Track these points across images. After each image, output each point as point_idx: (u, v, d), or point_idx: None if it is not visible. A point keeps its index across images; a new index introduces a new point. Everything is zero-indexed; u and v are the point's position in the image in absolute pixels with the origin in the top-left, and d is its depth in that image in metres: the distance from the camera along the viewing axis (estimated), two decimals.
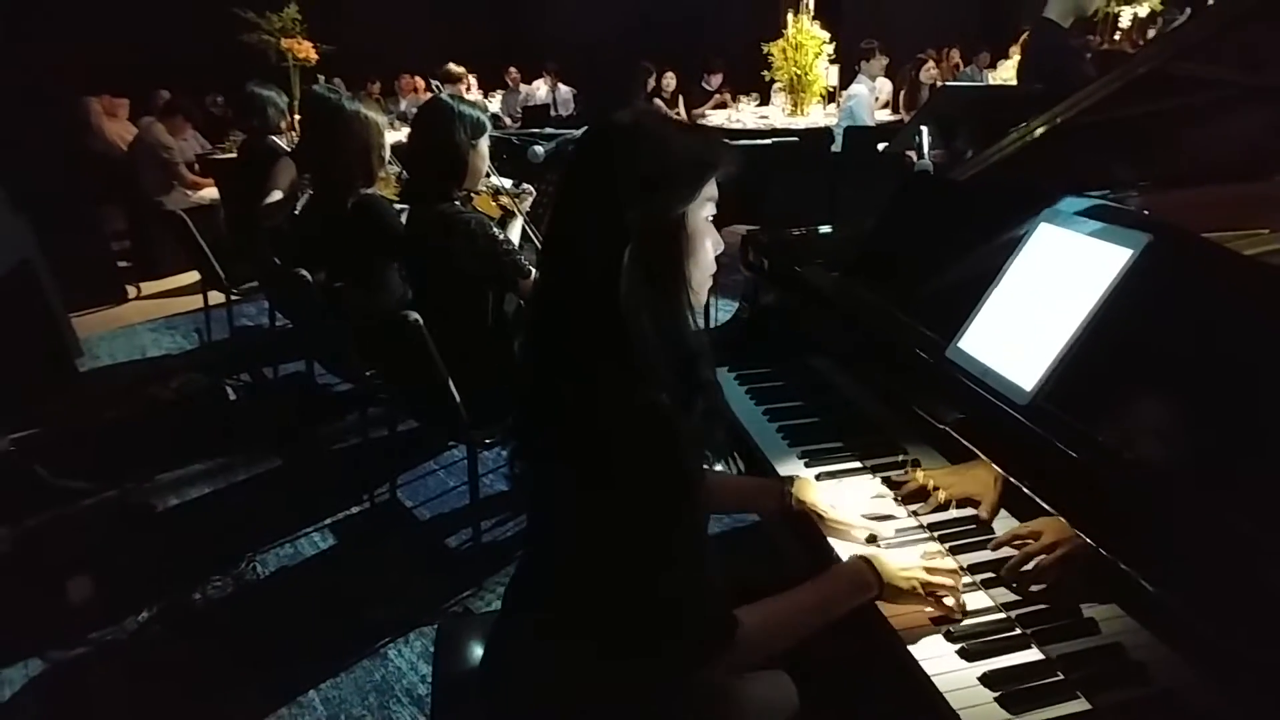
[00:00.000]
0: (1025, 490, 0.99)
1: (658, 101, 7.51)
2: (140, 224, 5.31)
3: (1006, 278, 1.18)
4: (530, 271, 2.08)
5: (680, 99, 7.93)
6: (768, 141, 4.44)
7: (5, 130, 3.60)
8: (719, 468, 1.48)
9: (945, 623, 1.00)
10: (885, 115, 6.55)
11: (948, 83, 6.57)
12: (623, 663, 0.92)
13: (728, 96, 7.83)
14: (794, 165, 4.21)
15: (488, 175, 2.27)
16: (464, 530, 2.42)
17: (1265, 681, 0.73)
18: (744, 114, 6.94)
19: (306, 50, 5.36)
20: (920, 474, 1.24)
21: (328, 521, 2.51)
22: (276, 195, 3.11)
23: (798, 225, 2.00)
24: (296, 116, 4.67)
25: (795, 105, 6.49)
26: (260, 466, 2.86)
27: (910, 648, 0.97)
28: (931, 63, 6.79)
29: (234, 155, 4.33)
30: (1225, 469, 0.84)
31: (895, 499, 1.24)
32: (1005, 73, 6.96)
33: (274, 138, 3.53)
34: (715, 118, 7.16)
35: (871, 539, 1.16)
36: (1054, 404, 1.00)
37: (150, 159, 5.10)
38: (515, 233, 2.40)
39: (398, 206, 2.49)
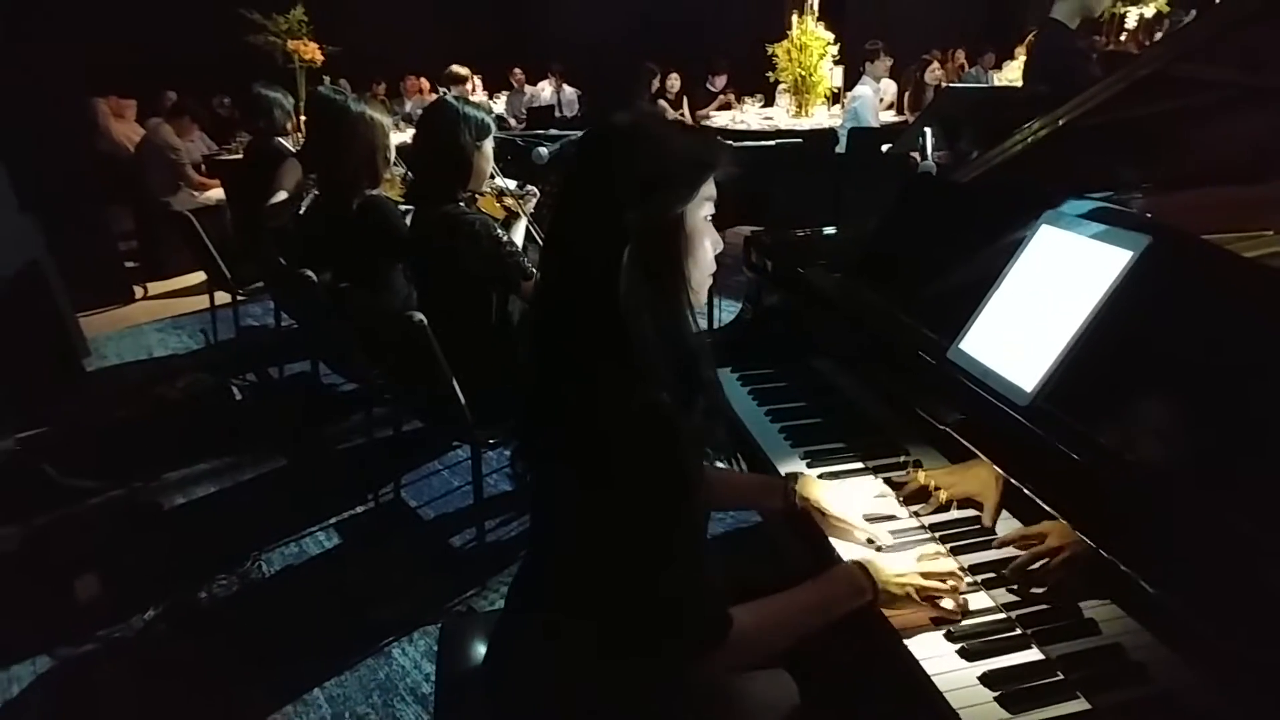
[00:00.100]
0: (1026, 491, 0.99)
1: (662, 103, 7.53)
2: (147, 224, 5.34)
3: (1008, 279, 1.18)
4: (533, 273, 2.08)
5: (685, 100, 7.94)
6: (772, 143, 4.44)
7: (13, 131, 3.62)
8: (720, 465, 1.49)
9: (945, 623, 1.00)
10: (890, 116, 6.55)
11: (951, 84, 6.56)
12: (623, 661, 0.92)
13: (732, 98, 7.85)
14: (798, 167, 4.21)
15: (492, 176, 2.28)
16: (468, 530, 2.43)
17: (1265, 681, 0.73)
18: (748, 115, 6.95)
19: (312, 52, 5.38)
20: (921, 474, 1.24)
21: (333, 521, 2.52)
22: (282, 196, 3.12)
23: (802, 226, 2.01)
24: (302, 118, 4.69)
25: (800, 106, 6.48)
26: (266, 466, 2.88)
27: (910, 647, 0.97)
28: (936, 64, 6.80)
29: (240, 156, 4.34)
30: (1225, 470, 0.84)
31: (898, 499, 1.25)
32: (1011, 74, 6.93)
33: (280, 139, 3.54)
34: (719, 119, 7.16)
35: (871, 542, 1.16)
36: (1054, 405, 1.01)
37: (157, 160, 5.13)
38: (519, 234, 2.41)
39: (403, 207, 2.51)
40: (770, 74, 6.62)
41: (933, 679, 0.92)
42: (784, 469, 1.37)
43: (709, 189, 0.93)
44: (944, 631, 0.99)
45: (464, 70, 6.26)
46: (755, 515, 2.25)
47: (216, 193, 5.16)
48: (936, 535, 1.16)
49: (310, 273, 2.43)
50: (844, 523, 1.17)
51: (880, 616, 1.00)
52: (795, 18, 6.34)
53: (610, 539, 0.89)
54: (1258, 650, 0.73)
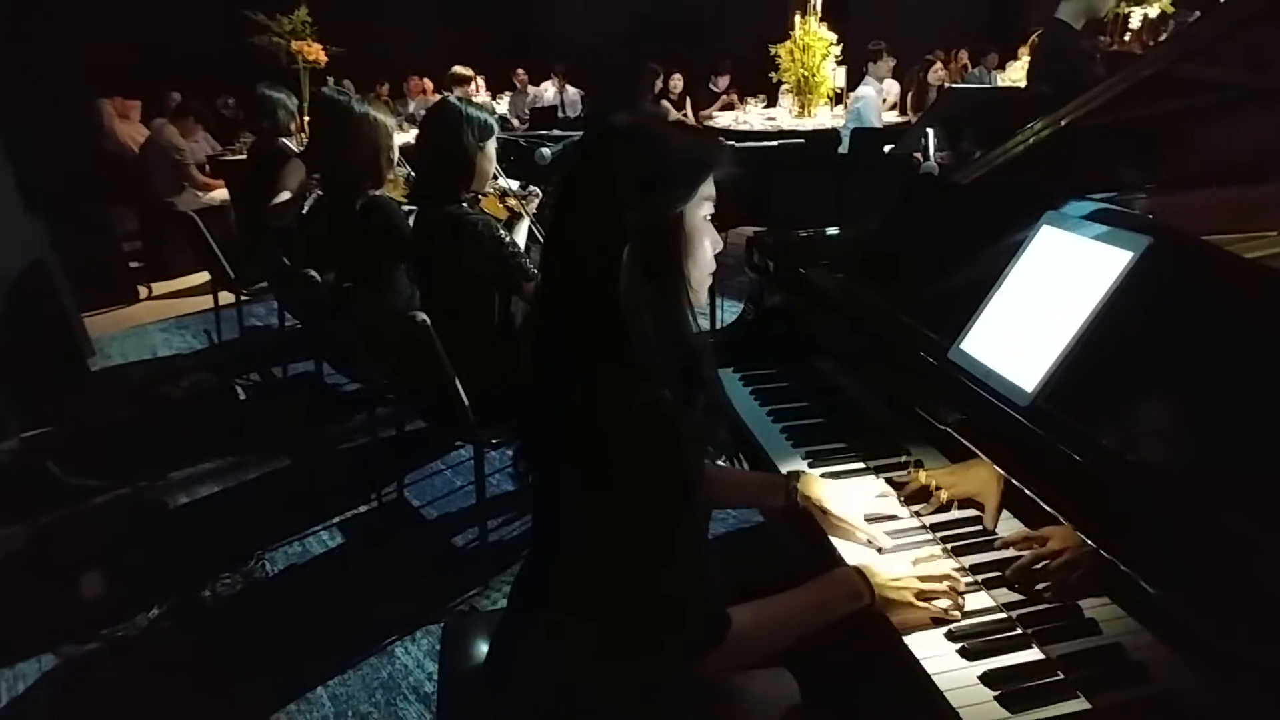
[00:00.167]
0: (1026, 492, 0.99)
1: (665, 103, 7.53)
2: (151, 225, 5.36)
3: (1008, 280, 1.18)
4: (535, 274, 2.09)
5: (687, 100, 7.94)
6: (774, 143, 4.44)
7: (19, 132, 3.63)
8: (722, 464, 1.49)
9: (945, 623, 1.00)
10: (893, 117, 6.55)
11: (953, 84, 6.56)
12: (624, 660, 0.93)
13: (735, 98, 7.84)
14: (801, 167, 4.21)
15: (495, 177, 2.29)
16: (470, 530, 2.44)
17: (1265, 681, 0.73)
18: (751, 116, 6.95)
19: (316, 52, 5.40)
20: (922, 474, 1.24)
21: (336, 520, 2.53)
22: (285, 196, 3.13)
23: (804, 227, 2.01)
24: (306, 118, 4.70)
25: (802, 107, 6.48)
26: (269, 465, 2.89)
27: (910, 646, 0.97)
28: (939, 64, 6.79)
29: (244, 157, 4.36)
30: (1225, 470, 0.84)
31: (899, 499, 1.25)
32: (1014, 74, 6.93)
33: (284, 139, 3.55)
34: (722, 119, 7.16)
35: (870, 543, 1.16)
36: (1055, 405, 1.01)
37: (162, 160, 5.15)
38: (522, 234, 2.41)
39: (406, 208, 2.51)
40: (773, 74, 6.62)
41: (933, 678, 0.92)
42: (786, 469, 1.37)
43: (708, 188, 0.94)
44: (944, 631, 0.99)
45: (467, 71, 6.27)
46: (756, 515, 2.25)
47: (221, 193, 5.18)
48: (938, 535, 1.16)
49: (314, 273, 2.44)
50: (844, 522, 1.18)
51: (880, 616, 1.01)
52: (798, 18, 6.34)
53: (611, 538, 0.90)
54: (1258, 650, 0.73)
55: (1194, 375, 0.92)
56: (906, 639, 0.98)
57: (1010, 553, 1.06)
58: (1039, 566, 1.01)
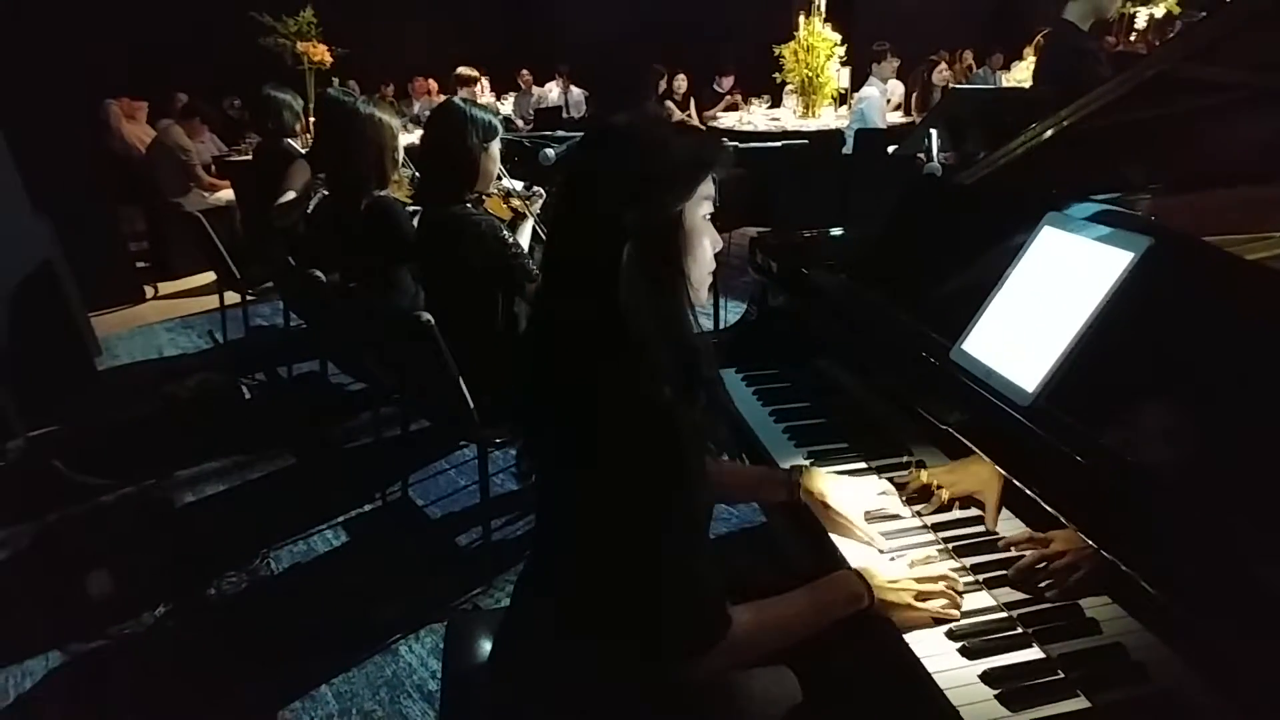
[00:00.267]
0: (1027, 491, 0.99)
1: (669, 104, 7.53)
2: (158, 225, 5.39)
3: (1010, 280, 1.19)
4: (538, 275, 2.09)
5: (692, 101, 7.93)
6: (778, 144, 4.44)
7: (26, 133, 3.65)
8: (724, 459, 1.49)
9: (945, 622, 1.00)
10: (897, 117, 6.53)
11: (957, 85, 6.54)
12: (626, 658, 0.93)
13: (739, 98, 7.83)
14: (805, 167, 4.21)
15: (499, 178, 2.29)
16: (474, 529, 2.45)
17: (1265, 681, 0.73)
18: (755, 116, 6.95)
19: (322, 53, 5.42)
20: (924, 474, 1.24)
21: (340, 519, 2.54)
22: (290, 196, 3.15)
23: (808, 227, 2.01)
24: (312, 119, 4.72)
25: (806, 107, 6.48)
26: (275, 465, 2.90)
27: (911, 645, 0.98)
28: (944, 65, 6.77)
29: (250, 157, 4.38)
30: (1225, 470, 0.84)
31: (901, 499, 1.25)
32: (1019, 74, 6.92)
33: (289, 140, 3.56)
34: (726, 120, 7.16)
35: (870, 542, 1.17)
36: (1056, 405, 1.01)
37: (168, 161, 5.18)
38: (526, 235, 2.42)
39: (410, 208, 2.52)
40: (777, 75, 6.61)
41: (933, 677, 0.93)
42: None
43: (708, 188, 0.94)
44: (945, 630, 0.99)
45: (472, 72, 6.29)
46: (757, 515, 2.26)
47: (226, 194, 5.20)
48: (939, 535, 1.16)
49: (319, 273, 2.45)
50: (844, 518, 1.18)
51: (881, 616, 1.01)
52: (802, 19, 6.33)
53: (613, 536, 0.90)
54: (1258, 650, 0.73)
55: (1194, 376, 0.92)
56: (907, 638, 0.99)
57: (1012, 553, 1.07)
58: (1040, 566, 1.01)
